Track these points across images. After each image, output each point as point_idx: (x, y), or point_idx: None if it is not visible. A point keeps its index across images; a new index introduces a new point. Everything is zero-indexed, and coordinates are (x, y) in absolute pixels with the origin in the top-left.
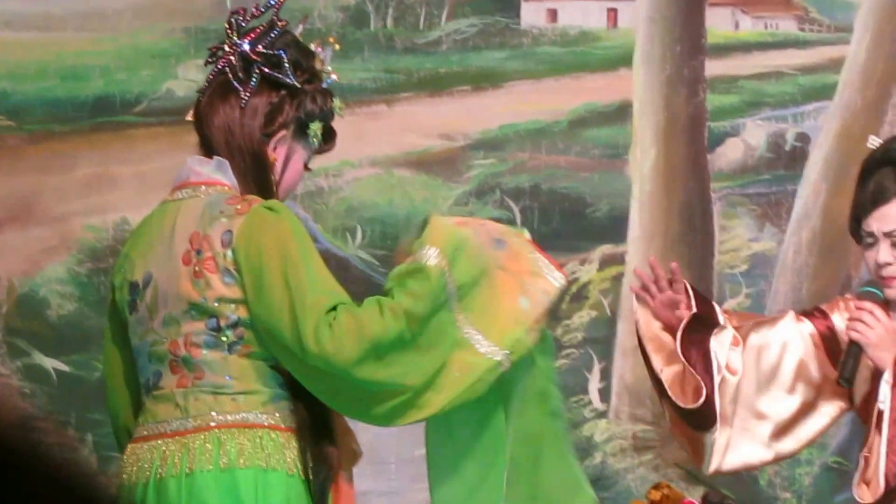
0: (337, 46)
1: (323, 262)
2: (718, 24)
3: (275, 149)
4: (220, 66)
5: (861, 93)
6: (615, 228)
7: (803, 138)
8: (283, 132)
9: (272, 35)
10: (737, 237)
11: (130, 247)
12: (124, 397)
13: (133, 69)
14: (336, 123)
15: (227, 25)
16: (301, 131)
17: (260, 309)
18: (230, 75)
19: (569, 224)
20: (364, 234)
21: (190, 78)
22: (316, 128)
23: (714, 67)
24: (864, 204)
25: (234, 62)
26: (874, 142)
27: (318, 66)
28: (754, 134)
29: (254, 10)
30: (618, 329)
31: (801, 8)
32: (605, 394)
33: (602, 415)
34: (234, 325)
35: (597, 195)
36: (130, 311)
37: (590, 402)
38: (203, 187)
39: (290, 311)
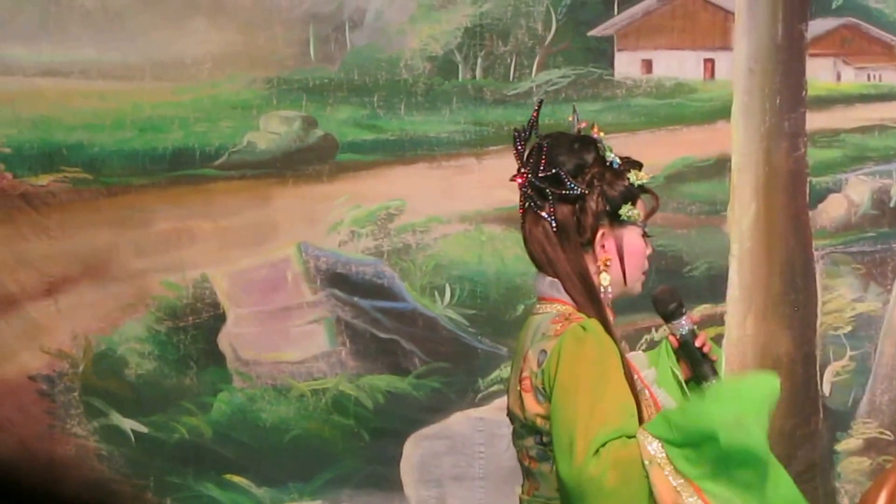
0: (602, 134)
1: (622, 386)
2: (820, 75)
3: (603, 247)
4: (522, 198)
5: None
6: (713, 288)
7: None
8: (600, 231)
9: (543, 155)
10: (840, 297)
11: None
12: None
13: (213, 120)
14: (423, 178)
15: (514, 151)
16: (616, 219)
17: (552, 422)
18: (532, 205)
19: (665, 283)
20: (453, 293)
21: (272, 130)
22: (626, 210)
23: (815, 120)
24: None
25: (529, 192)
26: None
27: (601, 152)
28: (857, 189)
29: (525, 131)
30: None
31: None
32: None
33: None
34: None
35: (694, 253)
36: None
37: None
38: (546, 304)
39: (568, 432)
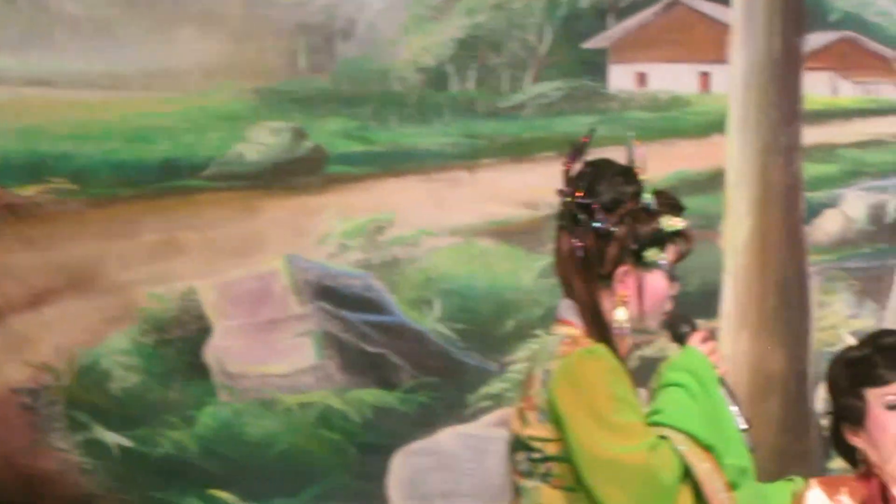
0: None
1: (633, 406)
2: (816, 89)
3: (623, 283)
4: (559, 215)
5: None
6: (707, 303)
7: None
8: (622, 267)
9: (584, 182)
10: (835, 314)
11: None
12: None
13: (201, 131)
14: (413, 191)
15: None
16: (640, 260)
17: (569, 449)
18: (565, 225)
19: None
20: (442, 307)
21: (261, 141)
22: (651, 254)
23: (812, 135)
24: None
25: (563, 212)
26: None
27: (639, 190)
28: (854, 205)
29: (575, 152)
30: None
31: None
32: None
33: None
34: (545, 460)
35: (688, 268)
36: None
37: None
38: (560, 326)
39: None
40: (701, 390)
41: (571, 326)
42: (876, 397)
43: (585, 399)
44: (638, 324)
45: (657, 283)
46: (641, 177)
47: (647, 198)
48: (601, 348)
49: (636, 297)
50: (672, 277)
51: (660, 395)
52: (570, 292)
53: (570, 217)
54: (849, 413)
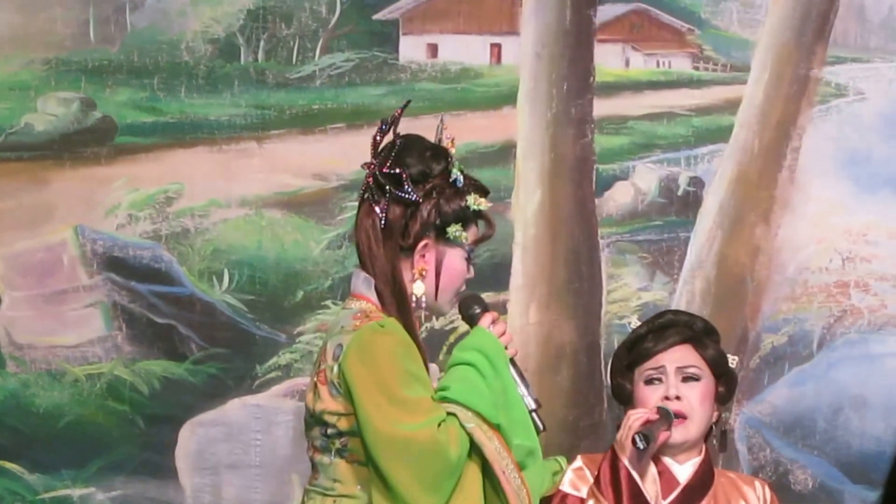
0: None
1: (423, 382)
2: (608, 61)
3: (423, 257)
4: (363, 188)
5: (758, 136)
6: (496, 276)
7: (697, 183)
8: (424, 241)
9: (393, 153)
10: (626, 286)
11: None
12: None
13: None
14: (203, 161)
15: (371, 142)
16: (443, 235)
17: (358, 424)
18: (369, 197)
19: None
20: (231, 278)
21: (50, 111)
22: (454, 230)
23: (603, 107)
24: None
25: (370, 183)
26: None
27: (448, 167)
28: (645, 177)
29: (386, 124)
30: None
31: (695, 45)
32: None
33: None
34: (340, 435)
35: None
36: None
37: None
38: (353, 300)
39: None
40: (491, 370)
41: (364, 300)
42: (639, 374)
43: (375, 374)
44: (432, 300)
45: (455, 262)
46: (451, 152)
47: (456, 174)
48: (392, 322)
49: (433, 272)
50: (469, 259)
51: (449, 373)
52: (366, 265)
53: (377, 187)
54: (618, 394)
